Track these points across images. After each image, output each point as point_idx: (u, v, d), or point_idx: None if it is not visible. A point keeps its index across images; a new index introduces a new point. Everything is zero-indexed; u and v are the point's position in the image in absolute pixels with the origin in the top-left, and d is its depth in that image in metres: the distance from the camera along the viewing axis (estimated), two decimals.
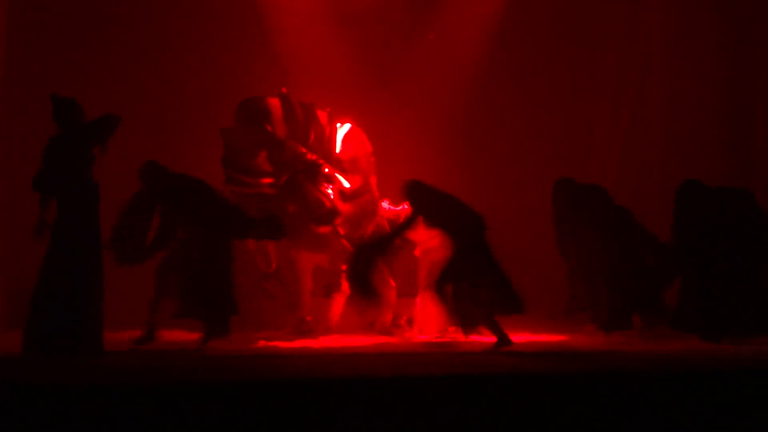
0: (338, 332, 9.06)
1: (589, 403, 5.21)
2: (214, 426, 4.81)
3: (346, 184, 9.05)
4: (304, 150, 8.89)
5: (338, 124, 9.37)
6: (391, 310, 9.24)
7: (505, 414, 5.07)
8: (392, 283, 9.21)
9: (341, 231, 8.86)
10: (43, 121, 7.13)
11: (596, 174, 11.48)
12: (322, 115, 9.34)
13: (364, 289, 7.52)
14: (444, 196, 7.82)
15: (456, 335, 9.01)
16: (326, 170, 8.93)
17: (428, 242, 9.17)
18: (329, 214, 8.54)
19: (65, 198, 6.80)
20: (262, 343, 8.10)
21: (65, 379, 5.41)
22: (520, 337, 8.27)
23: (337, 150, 9.24)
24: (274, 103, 9.10)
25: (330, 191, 8.79)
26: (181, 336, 8.71)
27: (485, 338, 8.55)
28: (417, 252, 9.22)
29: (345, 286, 9.06)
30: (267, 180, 8.83)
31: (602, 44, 11.97)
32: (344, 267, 8.96)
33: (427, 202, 7.75)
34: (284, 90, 9.16)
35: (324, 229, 8.73)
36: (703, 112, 11.36)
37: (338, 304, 9.12)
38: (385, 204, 9.28)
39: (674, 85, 11.47)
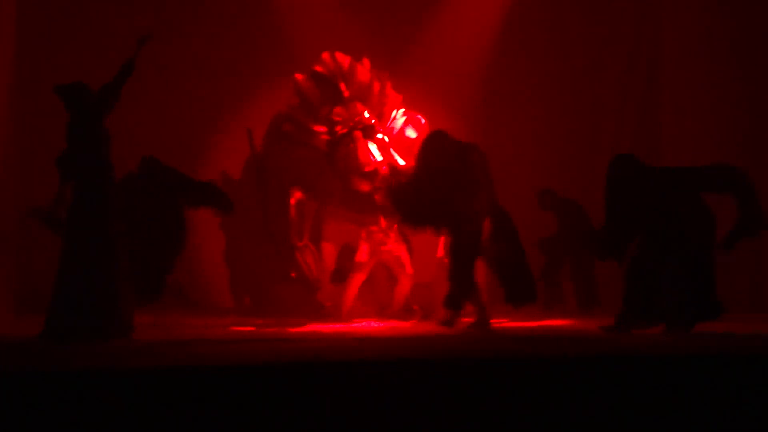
0: (350, 316, 9.17)
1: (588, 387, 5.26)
2: (224, 408, 4.84)
3: (400, 162, 9.25)
4: (369, 115, 9.10)
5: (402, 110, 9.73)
6: (405, 296, 9.37)
7: (509, 398, 5.11)
8: (409, 269, 9.33)
9: (378, 199, 9.01)
10: (57, 109, 7.01)
11: (604, 165, 11.52)
12: (396, 96, 9.74)
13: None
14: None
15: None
16: (383, 139, 9.15)
17: None
18: (374, 173, 8.79)
19: (82, 179, 6.74)
20: (296, 329, 8.11)
21: (92, 361, 5.42)
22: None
23: (400, 131, 9.55)
24: (356, 65, 9.50)
25: (380, 156, 8.92)
26: (191, 320, 8.87)
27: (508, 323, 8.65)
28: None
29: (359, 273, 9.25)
30: (325, 137, 9.21)
31: (612, 35, 11.99)
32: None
33: None
34: (367, 60, 9.56)
35: (364, 187, 8.97)
36: (714, 104, 11.35)
37: (353, 289, 9.22)
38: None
39: (684, 75, 11.46)
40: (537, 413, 5.03)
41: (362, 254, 9.15)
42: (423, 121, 9.68)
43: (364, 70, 9.59)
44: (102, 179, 6.77)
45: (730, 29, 11.25)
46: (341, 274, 9.36)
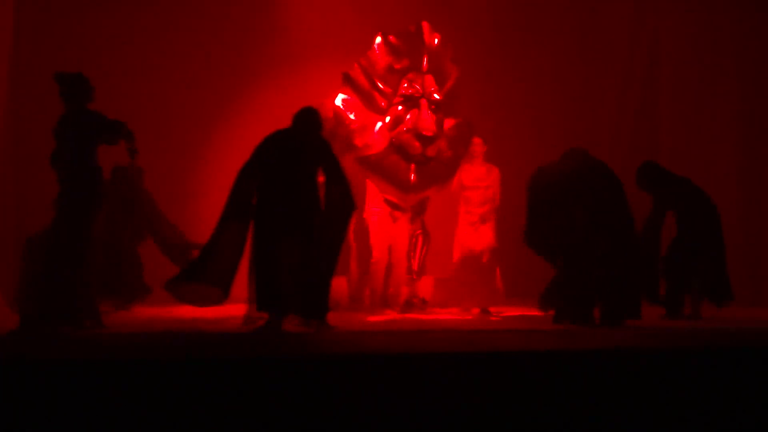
0: (349, 309, 9.19)
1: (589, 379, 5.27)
2: (211, 402, 4.80)
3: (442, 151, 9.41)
4: (438, 92, 9.24)
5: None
6: (407, 288, 9.40)
7: (509, 391, 5.11)
8: (402, 259, 9.37)
9: (413, 168, 9.20)
10: (52, 111, 6.99)
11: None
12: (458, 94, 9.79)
13: None
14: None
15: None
16: (443, 118, 9.31)
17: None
18: (432, 138, 9.00)
19: (66, 178, 6.73)
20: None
21: (67, 352, 5.41)
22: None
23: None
24: (442, 47, 9.52)
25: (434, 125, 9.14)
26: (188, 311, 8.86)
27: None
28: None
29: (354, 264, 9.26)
30: (384, 98, 9.26)
31: (610, 37, 12.03)
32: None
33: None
34: (451, 47, 9.71)
35: (415, 150, 9.04)
36: (711, 104, 11.39)
37: (351, 281, 9.24)
38: None
39: (683, 76, 11.49)
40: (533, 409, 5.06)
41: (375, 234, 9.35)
42: (470, 126, 9.78)
43: (447, 55, 9.66)
44: (86, 176, 6.75)
45: (727, 30, 11.31)
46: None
